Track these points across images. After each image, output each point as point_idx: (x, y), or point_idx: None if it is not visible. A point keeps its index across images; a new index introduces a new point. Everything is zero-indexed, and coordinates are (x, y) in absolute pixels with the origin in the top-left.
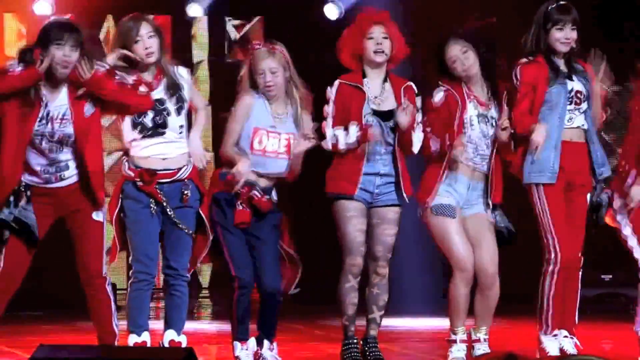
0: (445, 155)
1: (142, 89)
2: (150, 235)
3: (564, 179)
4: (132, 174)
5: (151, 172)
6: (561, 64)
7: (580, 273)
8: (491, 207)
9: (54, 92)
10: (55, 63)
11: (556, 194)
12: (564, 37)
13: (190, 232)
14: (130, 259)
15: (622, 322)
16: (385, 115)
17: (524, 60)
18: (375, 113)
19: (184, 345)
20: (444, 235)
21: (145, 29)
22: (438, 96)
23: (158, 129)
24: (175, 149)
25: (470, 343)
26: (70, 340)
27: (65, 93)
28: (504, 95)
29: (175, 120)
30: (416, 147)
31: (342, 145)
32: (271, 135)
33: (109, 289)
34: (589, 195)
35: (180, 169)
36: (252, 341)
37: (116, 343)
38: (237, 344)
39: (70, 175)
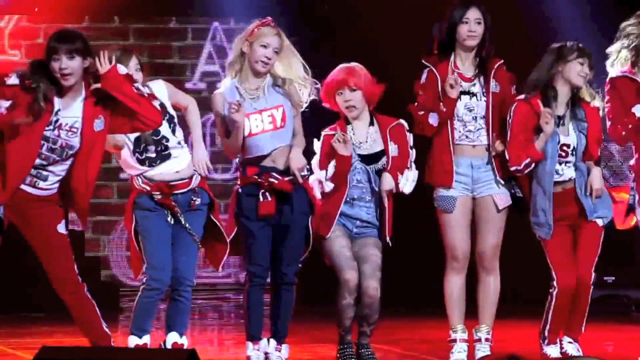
0: (447, 123)
1: (156, 103)
2: (164, 243)
3: (568, 220)
4: (148, 187)
5: (170, 185)
6: (562, 106)
7: (592, 289)
8: (502, 183)
9: (67, 100)
10: (57, 76)
11: (558, 235)
12: (583, 71)
13: (197, 239)
14: (144, 266)
15: (624, 324)
16: (371, 159)
17: (521, 98)
18: (361, 157)
19: (185, 346)
20: (442, 227)
21: (133, 62)
22: (423, 77)
23: (162, 153)
24: (183, 160)
25: (472, 343)
26: (73, 342)
27: (79, 105)
28: (492, 72)
29: (174, 140)
30: (408, 188)
31: (327, 187)
32: (252, 117)
33: (88, 294)
34: (600, 221)
35: (191, 177)
36: (264, 341)
37: (112, 344)
38: (249, 344)
39: (44, 187)
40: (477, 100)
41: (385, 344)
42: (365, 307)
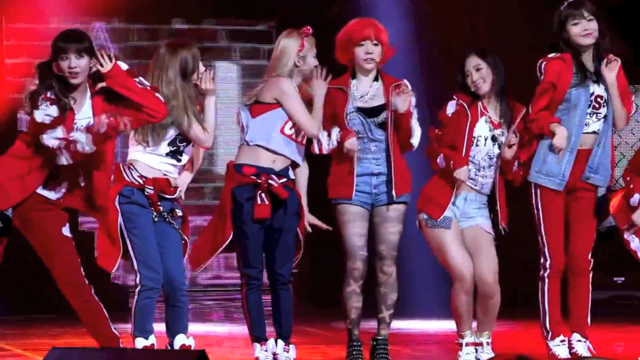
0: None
1: (160, 95)
2: (154, 241)
3: (569, 184)
4: (141, 181)
5: (170, 184)
6: (589, 61)
7: (591, 275)
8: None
9: (77, 101)
10: (64, 75)
11: (555, 200)
12: (582, 29)
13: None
14: (136, 265)
15: (635, 325)
16: (370, 112)
17: (552, 55)
18: (360, 110)
19: (192, 348)
20: (440, 247)
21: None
22: (450, 109)
23: (179, 152)
24: (177, 175)
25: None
26: (82, 344)
27: (88, 105)
28: (517, 120)
29: (187, 150)
30: (415, 140)
31: (325, 150)
32: None
33: (95, 296)
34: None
35: (177, 188)
36: (271, 342)
37: (121, 345)
38: (257, 345)
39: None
40: (500, 148)
41: (395, 345)
42: (381, 285)
